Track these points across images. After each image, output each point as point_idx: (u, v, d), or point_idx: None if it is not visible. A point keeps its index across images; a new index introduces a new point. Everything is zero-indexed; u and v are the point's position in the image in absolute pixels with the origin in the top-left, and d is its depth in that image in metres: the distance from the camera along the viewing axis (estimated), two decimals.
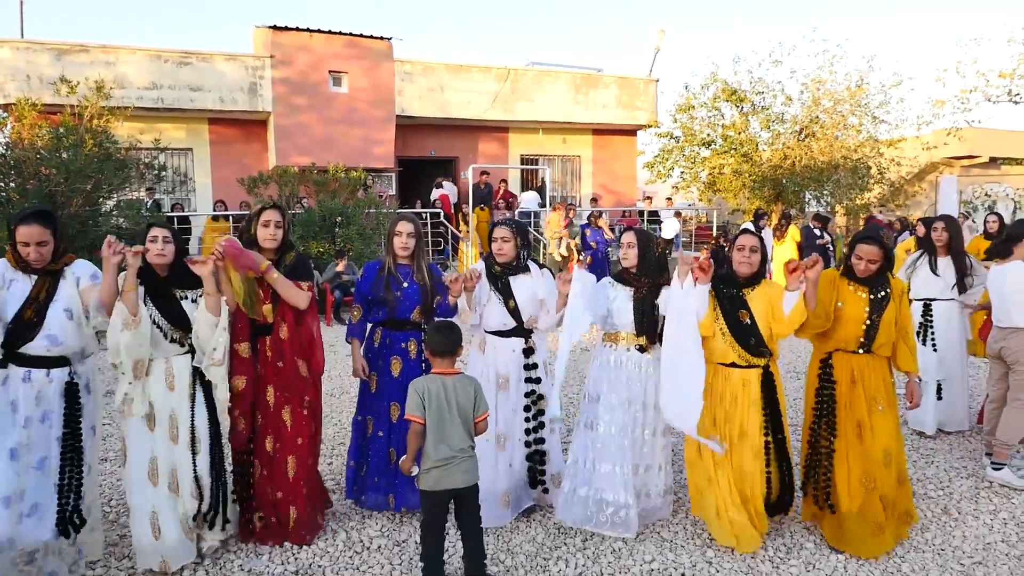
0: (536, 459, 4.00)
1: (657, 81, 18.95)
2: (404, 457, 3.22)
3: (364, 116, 15.82)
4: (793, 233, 12.70)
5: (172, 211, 12.95)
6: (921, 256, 5.54)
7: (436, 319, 3.98)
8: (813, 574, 3.49)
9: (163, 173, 11.60)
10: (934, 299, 5.43)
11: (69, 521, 3.22)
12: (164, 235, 3.50)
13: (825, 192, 16.11)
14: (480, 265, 4.13)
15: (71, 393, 3.27)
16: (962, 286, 5.35)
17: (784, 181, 15.64)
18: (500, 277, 4.02)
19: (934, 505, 4.27)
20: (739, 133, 15.86)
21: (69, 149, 9.85)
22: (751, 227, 12.10)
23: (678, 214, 17.39)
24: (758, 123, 16.27)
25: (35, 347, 3.19)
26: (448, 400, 3.21)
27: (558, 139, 19.08)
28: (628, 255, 3.97)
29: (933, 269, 5.41)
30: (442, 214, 14.75)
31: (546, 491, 4.07)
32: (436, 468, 3.17)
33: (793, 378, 7.16)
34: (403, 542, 3.77)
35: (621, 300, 3.92)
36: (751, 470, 3.65)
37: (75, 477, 3.26)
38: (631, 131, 19.45)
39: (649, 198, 19.22)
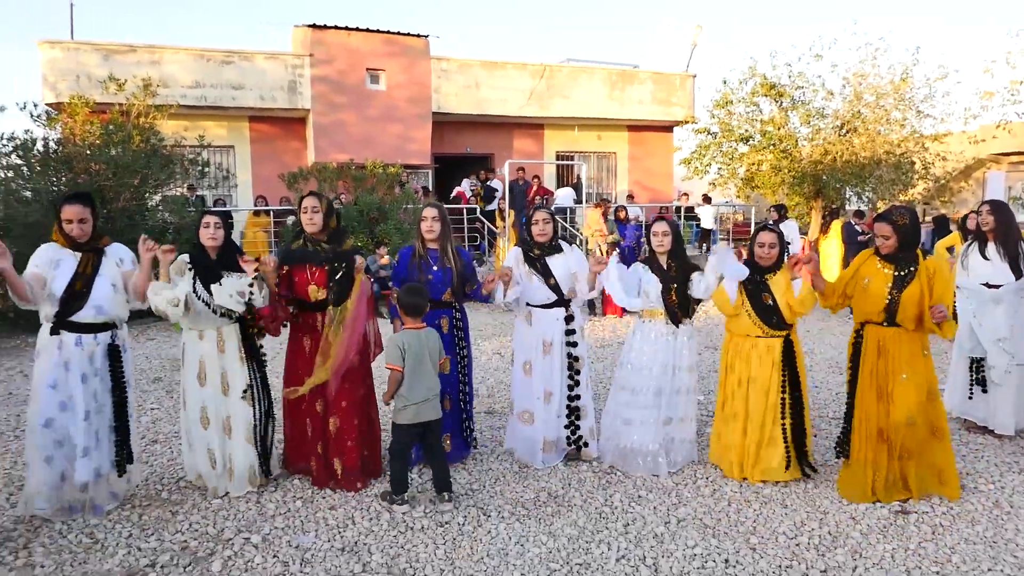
0: (572, 415, 4.56)
1: (694, 76, 18.79)
2: (384, 396, 3.95)
3: (401, 113, 15.96)
4: (836, 228, 12.52)
5: (215, 206, 13.20)
6: (970, 245, 5.36)
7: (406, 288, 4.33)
8: (860, 563, 3.45)
9: (206, 169, 11.83)
10: (986, 284, 5.16)
11: (125, 460, 3.90)
12: (216, 221, 4.03)
13: (867, 188, 15.80)
14: (515, 252, 4.62)
15: (114, 354, 3.82)
16: (1017, 271, 5.13)
17: (824, 177, 15.36)
18: (538, 260, 4.51)
19: (985, 499, 4.17)
20: (778, 128, 15.60)
21: (118, 145, 10.11)
22: (770, 223, 11.94)
23: (708, 199, 17.19)
24: (798, 118, 15.97)
25: (84, 315, 3.69)
26: (421, 350, 3.90)
27: (593, 135, 19.03)
28: (664, 243, 4.46)
29: (983, 254, 5.22)
30: (479, 209, 14.81)
31: (585, 445, 4.62)
32: (413, 406, 3.87)
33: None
34: (446, 524, 3.81)
35: (653, 283, 4.43)
36: (767, 421, 4.25)
37: (125, 421, 3.87)
38: (667, 127, 19.31)
39: (686, 194, 19.06)
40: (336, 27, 15.36)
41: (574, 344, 4.53)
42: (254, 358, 4.19)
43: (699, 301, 4.53)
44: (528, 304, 4.57)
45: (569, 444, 4.62)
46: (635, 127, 19.12)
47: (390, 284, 10.94)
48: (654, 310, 4.44)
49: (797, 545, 3.62)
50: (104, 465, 3.83)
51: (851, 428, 4.15)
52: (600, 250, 10.97)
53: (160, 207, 10.91)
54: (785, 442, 4.23)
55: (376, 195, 12.27)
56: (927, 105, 15.17)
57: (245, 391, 4.10)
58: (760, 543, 3.63)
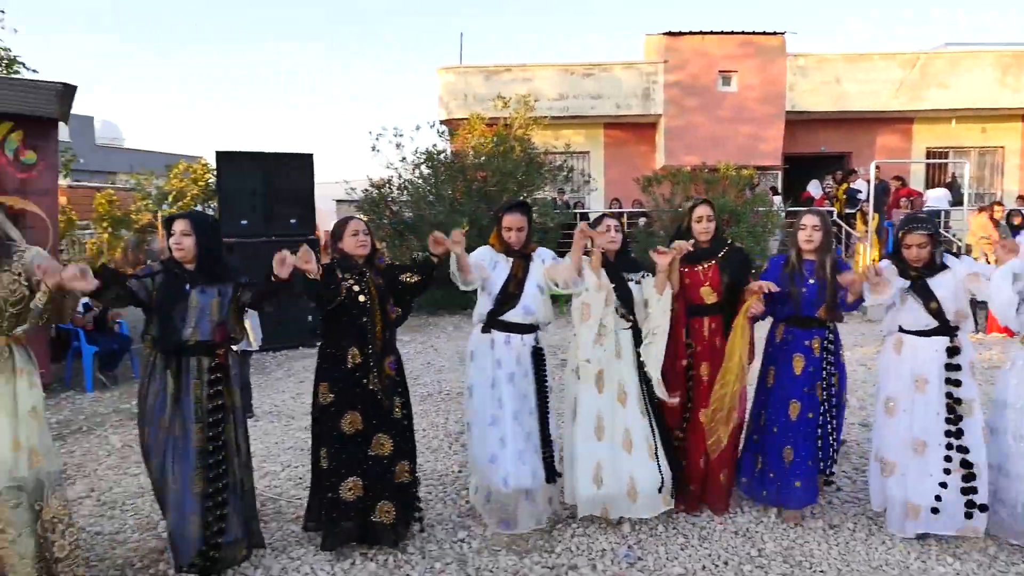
0: (963, 470, 3.61)
1: None
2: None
3: (752, 114, 15.76)
4: None
5: (573, 208, 14.41)
6: None
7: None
8: None
9: (570, 175, 13.00)
10: None
11: (549, 468, 3.83)
12: (615, 224, 4.11)
13: None
14: (885, 266, 3.88)
15: (538, 355, 3.91)
16: None
17: None
18: (917, 279, 3.78)
19: None
20: None
21: (503, 155, 11.63)
22: None
23: None
24: None
25: (514, 315, 3.86)
26: None
27: (976, 128, 16.77)
28: None
29: None
30: (835, 212, 14.03)
31: (982, 509, 3.61)
32: None
33: None
34: (836, 527, 3.88)
35: None
36: None
37: (546, 427, 3.87)
38: None
39: None
40: (691, 32, 15.69)
41: (956, 383, 3.67)
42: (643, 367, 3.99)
43: None
44: (900, 329, 3.87)
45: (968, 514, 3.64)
46: None
47: None
48: None
49: None
50: (539, 472, 3.79)
51: None
52: (987, 262, 9.72)
53: (532, 209, 12.27)
54: None
55: (728, 198, 12.35)
56: None
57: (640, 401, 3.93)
58: None
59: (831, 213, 14.01)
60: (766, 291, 3.87)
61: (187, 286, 3.41)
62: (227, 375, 3.50)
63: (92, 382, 7.21)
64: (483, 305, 3.95)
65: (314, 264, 3.47)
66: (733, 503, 4.13)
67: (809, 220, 4.06)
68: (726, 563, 3.51)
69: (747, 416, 4.23)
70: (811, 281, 3.99)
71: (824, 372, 4.01)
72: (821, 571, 3.44)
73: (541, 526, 3.86)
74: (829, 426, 4.00)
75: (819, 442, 3.99)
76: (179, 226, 3.45)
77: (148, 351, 3.45)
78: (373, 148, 11.88)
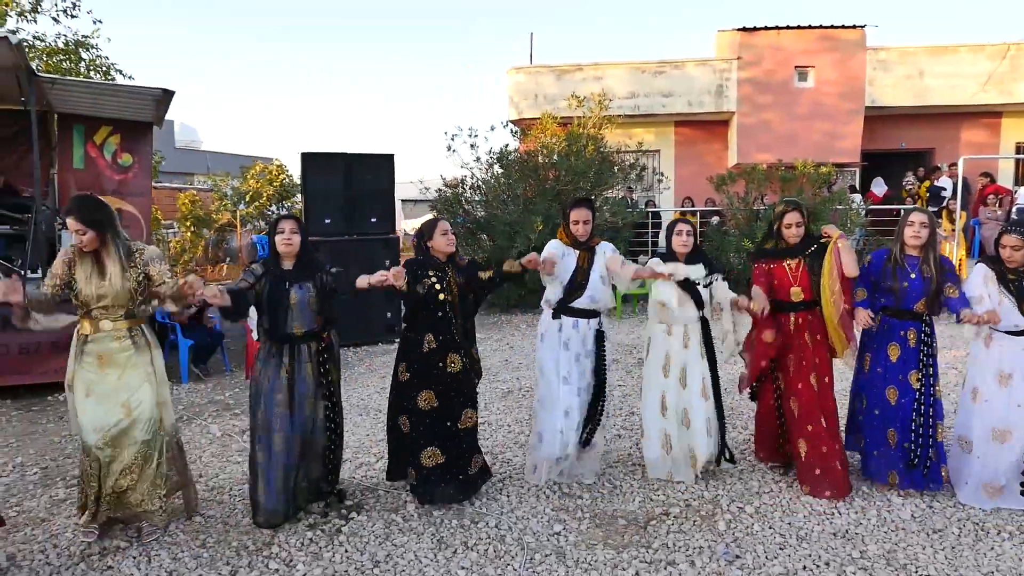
0: None
1: None
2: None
3: (829, 110, 15.37)
4: None
5: (645, 207, 14.31)
6: None
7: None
8: None
9: (643, 173, 12.92)
10: None
11: (591, 435, 4.35)
12: (687, 229, 4.45)
13: None
14: (982, 271, 4.13)
15: (599, 338, 4.34)
16: None
17: None
18: (1015, 281, 4.03)
19: None
20: None
21: (576, 154, 11.64)
22: None
23: None
24: None
25: (581, 302, 4.28)
26: None
27: None
28: None
29: None
30: None
31: None
32: None
33: None
34: (940, 531, 3.79)
35: None
36: None
37: (602, 399, 4.36)
38: None
39: None
40: (766, 28, 15.40)
41: None
42: (711, 356, 4.45)
43: None
44: (992, 328, 4.07)
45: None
46: None
47: None
48: None
49: None
50: (593, 434, 4.33)
51: None
52: None
53: (605, 208, 12.23)
54: None
55: (804, 196, 12.06)
56: None
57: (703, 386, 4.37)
58: None
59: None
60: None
61: (287, 284, 3.84)
62: (332, 353, 4.03)
63: (188, 374, 7.54)
64: (553, 293, 4.37)
65: (403, 280, 3.83)
66: (829, 505, 4.09)
67: (918, 217, 4.20)
68: (827, 564, 3.48)
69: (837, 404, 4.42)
70: (913, 276, 4.17)
71: (920, 364, 4.18)
72: (928, 574, 3.38)
73: (599, 473, 4.53)
74: (927, 417, 4.14)
75: (913, 431, 4.15)
76: (288, 225, 3.90)
77: (263, 341, 3.94)
78: (449, 148, 12.07)
